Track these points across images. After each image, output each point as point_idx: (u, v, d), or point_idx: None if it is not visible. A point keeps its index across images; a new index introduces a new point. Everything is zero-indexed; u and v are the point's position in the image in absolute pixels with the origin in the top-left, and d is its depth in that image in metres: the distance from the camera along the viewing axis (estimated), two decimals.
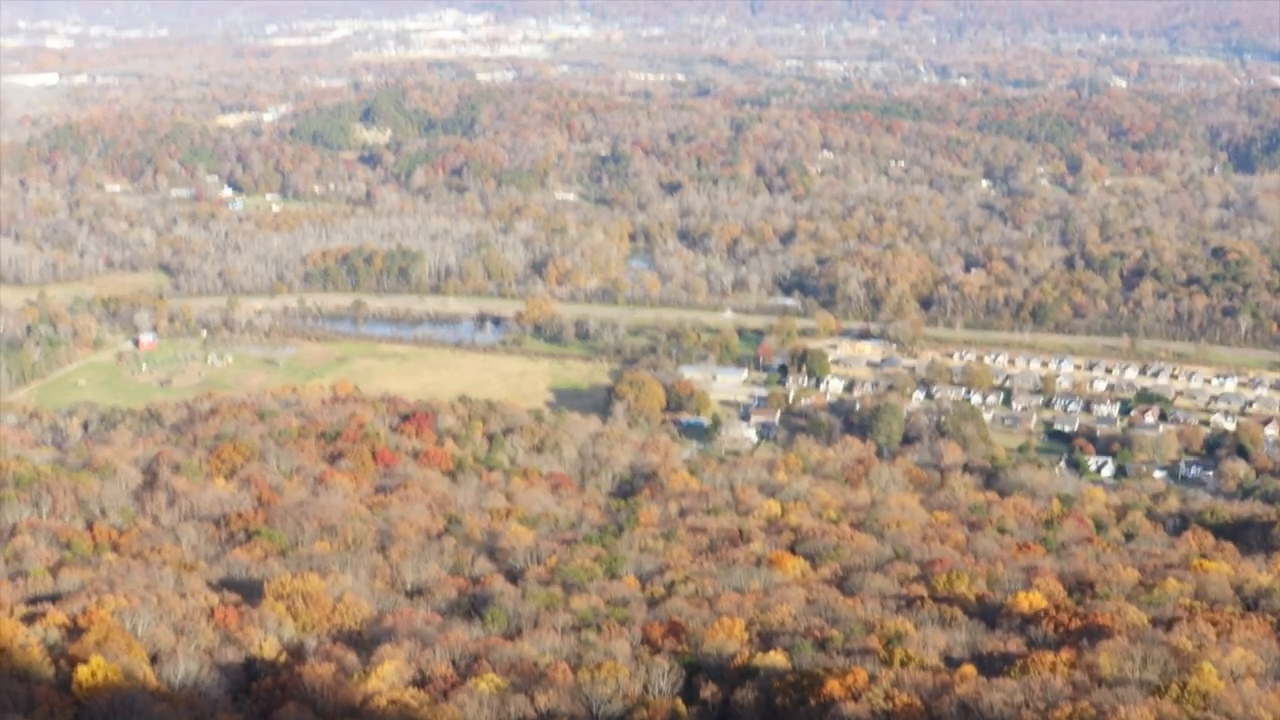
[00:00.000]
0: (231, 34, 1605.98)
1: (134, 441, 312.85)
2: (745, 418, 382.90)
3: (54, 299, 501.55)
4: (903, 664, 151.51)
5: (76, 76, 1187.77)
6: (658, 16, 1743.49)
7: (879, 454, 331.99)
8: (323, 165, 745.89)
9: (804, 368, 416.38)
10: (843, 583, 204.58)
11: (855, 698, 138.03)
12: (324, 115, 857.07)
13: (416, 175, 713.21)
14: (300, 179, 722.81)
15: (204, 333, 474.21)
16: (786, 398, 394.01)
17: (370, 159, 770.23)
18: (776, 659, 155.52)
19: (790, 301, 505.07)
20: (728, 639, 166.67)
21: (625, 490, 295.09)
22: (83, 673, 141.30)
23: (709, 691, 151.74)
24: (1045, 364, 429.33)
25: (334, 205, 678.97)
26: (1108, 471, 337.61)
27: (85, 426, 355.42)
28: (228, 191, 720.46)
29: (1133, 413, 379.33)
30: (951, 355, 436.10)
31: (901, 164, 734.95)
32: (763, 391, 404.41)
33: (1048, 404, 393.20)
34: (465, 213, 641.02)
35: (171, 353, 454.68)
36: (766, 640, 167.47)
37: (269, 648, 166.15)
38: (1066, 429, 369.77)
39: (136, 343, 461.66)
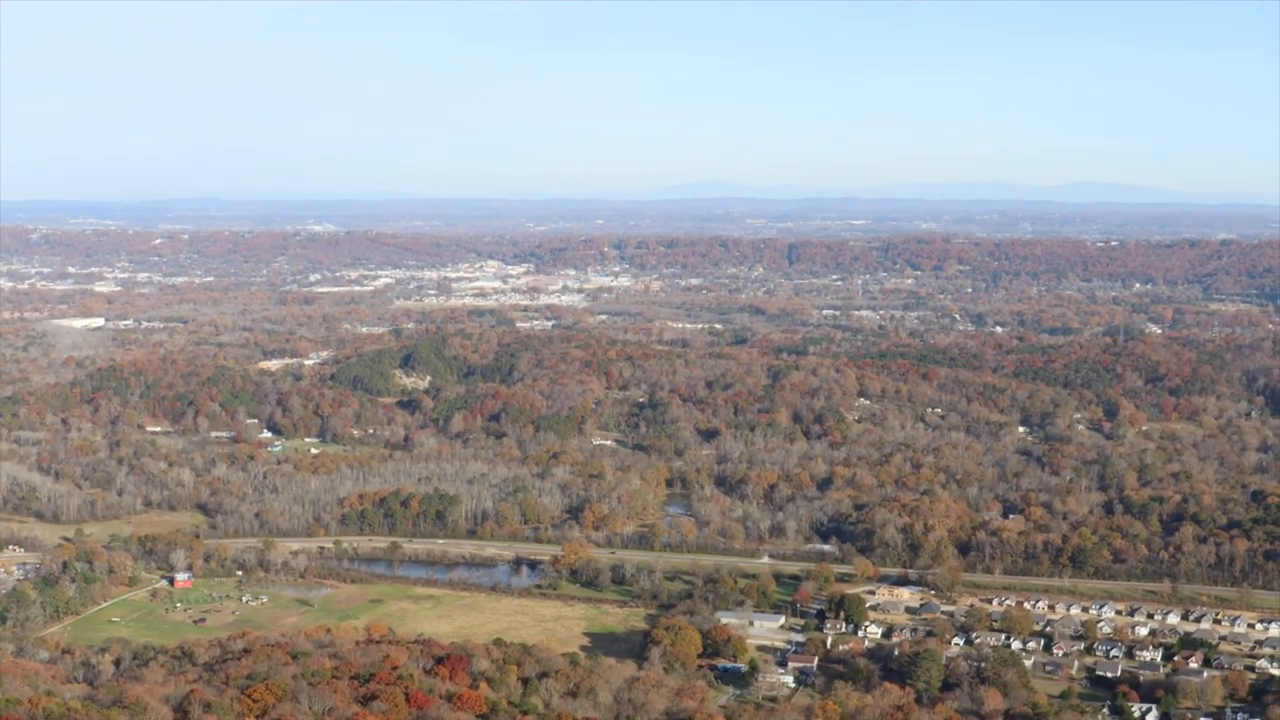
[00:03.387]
0: (275, 281, 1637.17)
1: (166, 680, 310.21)
2: (782, 664, 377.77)
3: (91, 536, 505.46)
4: None
5: (122, 320, 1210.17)
6: (695, 267, 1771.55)
7: (918, 701, 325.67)
8: (362, 410, 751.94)
9: (842, 613, 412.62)
10: None
11: None
12: (364, 361, 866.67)
13: (455, 420, 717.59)
14: (339, 423, 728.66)
15: (239, 573, 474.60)
16: (824, 643, 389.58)
17: (409, 404, 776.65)
18: None
19: (828, 547, 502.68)
20: None
21: None
22: None
23: None
24: (1086, 609, 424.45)
25: (372, 449, 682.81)
26: (1152, 718, 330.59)
27: (117, 663, 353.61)
28: (267, 434, 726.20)
29: (1176, 658, 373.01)
30: (991, 601, 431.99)
31: (938, 411, 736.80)
32: (800, 637, 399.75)
33: (1089, 650, 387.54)
34: (502, 457, 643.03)
35: (206, 592, 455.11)
36: None
37: None
38: (1109, 675, 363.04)
39: (172, 581, 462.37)
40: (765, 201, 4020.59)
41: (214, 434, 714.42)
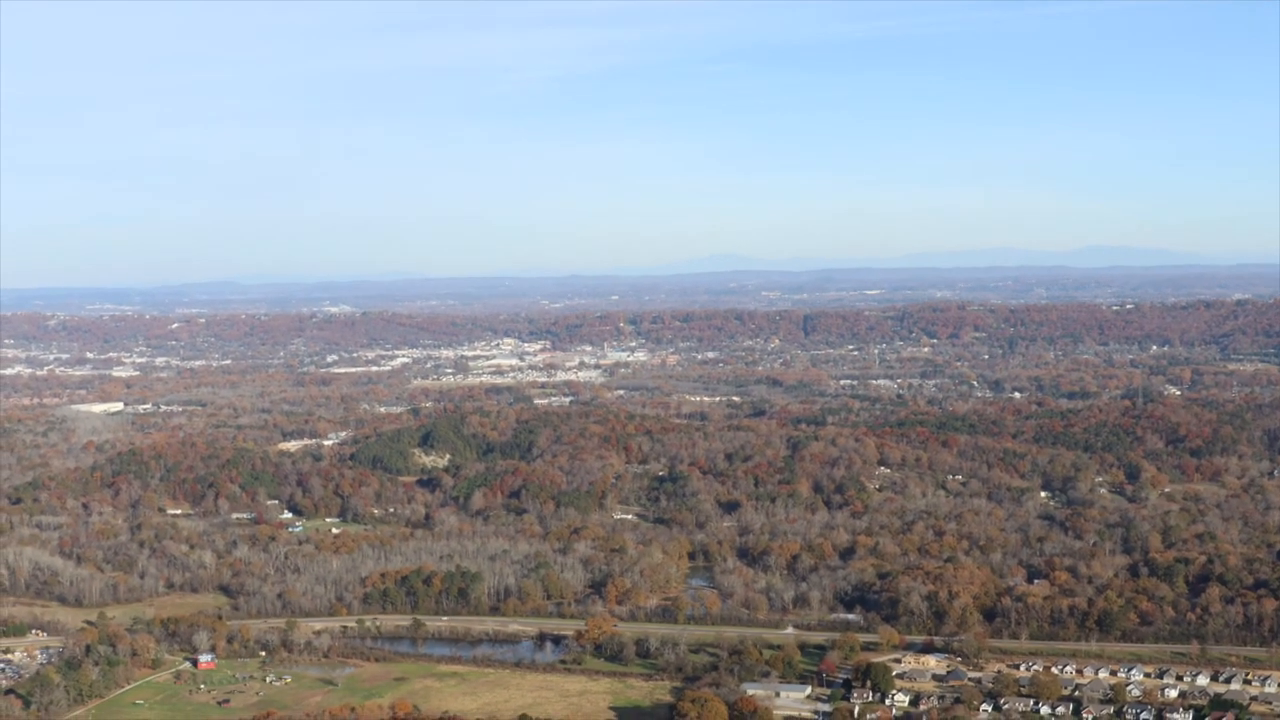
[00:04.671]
0: (293, 363, 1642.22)
1: None
2: None
3: (114, 619, 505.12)
4: None
5: (141, 404, 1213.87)
6: (712, 340, 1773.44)
7: None
8: (382, 489, 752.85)
9: (868, 683, 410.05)
10: None
11: None
12: (383, 440, 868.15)
13: (475, 498, 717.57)
14: (360, 502, 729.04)
15: (262, 653, 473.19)
16: (851, 713, 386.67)
17: (429, 482, 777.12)
18: None
19: (852, 617, 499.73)
20: None
21: None
22: None
23: None
24: (1114, 673, 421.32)
25: (393, 528, 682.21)
26: None
27: None
28: (288, 515, 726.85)
29: None
30: (1018, 667, 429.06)
31: (959, 478, 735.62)
32: (827, 707, 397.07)
33: (1119, 714, 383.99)
34: (524, 534, 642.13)
35: (230, 673, 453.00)
36: None
37: None
38: None
39: (195, 663, 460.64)
40: (779, 273, 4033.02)
41: (235, 515, 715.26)
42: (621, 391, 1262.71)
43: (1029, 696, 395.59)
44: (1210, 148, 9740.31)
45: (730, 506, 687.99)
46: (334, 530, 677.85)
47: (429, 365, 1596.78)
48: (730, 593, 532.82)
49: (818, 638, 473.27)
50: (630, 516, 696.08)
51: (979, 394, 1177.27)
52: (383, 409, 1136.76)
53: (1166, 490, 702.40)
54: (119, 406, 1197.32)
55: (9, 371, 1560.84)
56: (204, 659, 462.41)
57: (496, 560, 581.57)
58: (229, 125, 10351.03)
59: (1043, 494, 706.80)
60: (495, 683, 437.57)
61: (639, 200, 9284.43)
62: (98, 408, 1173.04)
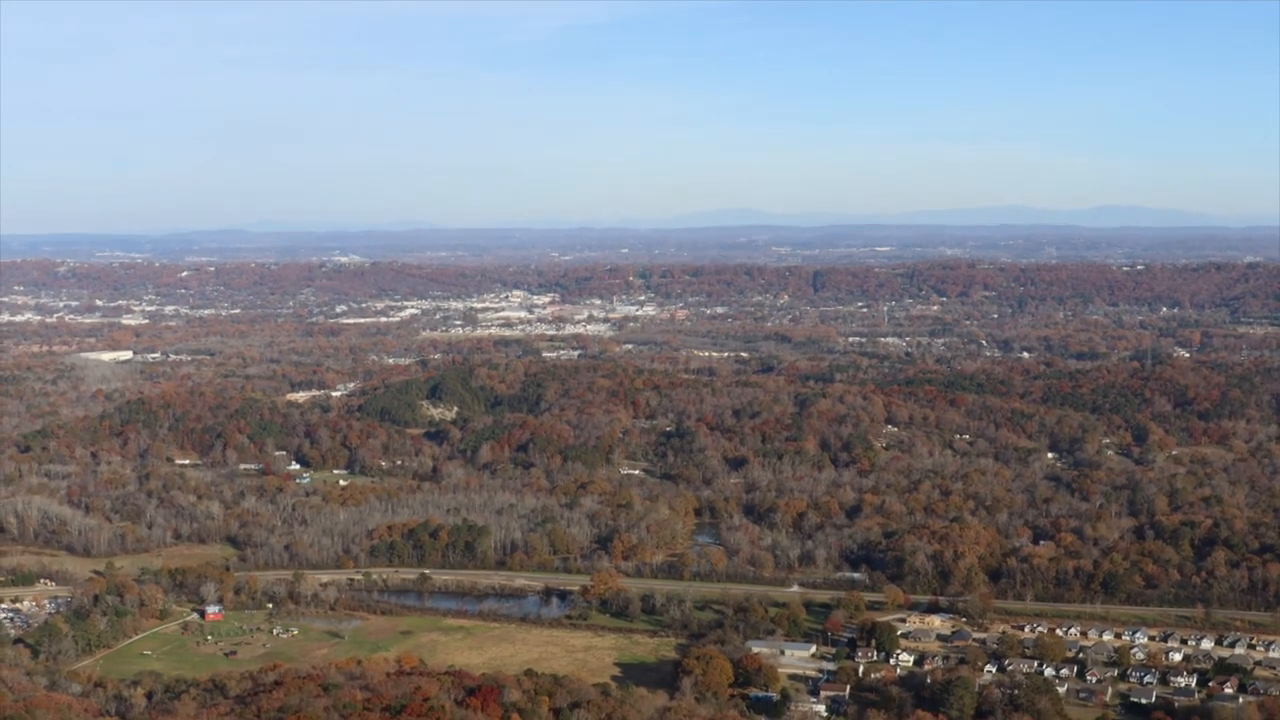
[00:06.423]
0: (302, 313, 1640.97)
1: (198, 712, 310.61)
2: (814, 692, 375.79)
3: (121, 570, 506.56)
4: None
5: (150, 353, 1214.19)
6: (721, 296, 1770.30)
7: None
8: (390, 441, 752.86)
9: (873, 641, 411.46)
10: None
11: None
12: (391, 392, 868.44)
13: (483, 451, 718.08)
14: (367, 454, 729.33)
15: (270, 605, 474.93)
16: (856, 672, 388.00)
17: (437, 435, 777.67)
18: None
19: (858, 575, 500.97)
20: None
21: None
22: None
23: None
24: (1119, 635, 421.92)
25: (400, 480, 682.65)
26: None
27: (149, 696, 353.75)
28: (295, 466, 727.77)
29: (1211, 684, 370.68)
30: (1022, 628, 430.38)
31: (966, 437, 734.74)
32: (831, 666, 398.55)
33: (1123, 676, 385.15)
34: (531, 488, 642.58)
35: (237, 624, 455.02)
36: None
37: None
38: (1143, 701, 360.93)
39: (202, 614, 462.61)
40: (789, 229, 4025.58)
41: (242, 466, 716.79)
42: (630, 346, 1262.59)
43: (1033, 658, 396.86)
44: (1226, 108, 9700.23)
45: (737, 463, 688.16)
46: (341, 482, 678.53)
47: (438, 317, 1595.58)
48: (736, 550, 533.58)
49: (823, 596, 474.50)
50: (637, 472, 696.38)
51: (987, 353, 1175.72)
52: (391, 360, 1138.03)
53: (1174, 453, 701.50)
54: (128, 355, 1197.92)
55: (18, 318, 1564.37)
56: (211, 610, 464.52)
57: (503, 514, 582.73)
58: (240, 71, 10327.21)
59: (1050, 455, 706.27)
60: (501, 637, 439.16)
61: (650, 153, 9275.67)
62: (107, 356, 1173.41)
